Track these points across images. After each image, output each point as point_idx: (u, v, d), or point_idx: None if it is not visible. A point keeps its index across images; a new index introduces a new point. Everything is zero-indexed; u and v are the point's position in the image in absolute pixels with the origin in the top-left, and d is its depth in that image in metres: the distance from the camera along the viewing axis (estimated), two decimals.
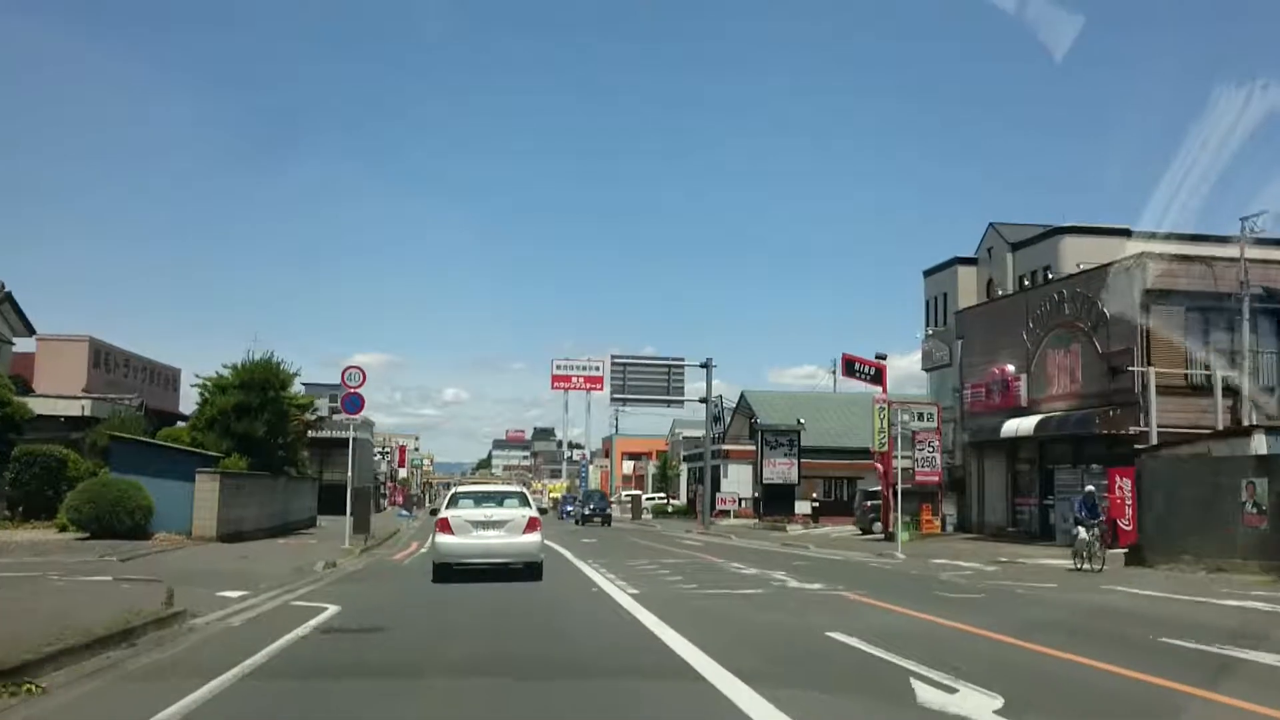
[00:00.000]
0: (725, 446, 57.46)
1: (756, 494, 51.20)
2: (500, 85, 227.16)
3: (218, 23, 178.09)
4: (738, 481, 56.54)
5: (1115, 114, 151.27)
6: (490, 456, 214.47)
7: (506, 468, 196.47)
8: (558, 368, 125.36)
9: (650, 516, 62.84)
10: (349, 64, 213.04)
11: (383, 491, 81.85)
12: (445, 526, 15.67)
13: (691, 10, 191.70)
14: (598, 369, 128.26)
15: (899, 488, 27.01)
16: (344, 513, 24.58)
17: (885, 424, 31.40)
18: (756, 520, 46.13)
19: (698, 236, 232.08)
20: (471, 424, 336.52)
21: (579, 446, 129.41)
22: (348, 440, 25.88)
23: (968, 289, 38.90)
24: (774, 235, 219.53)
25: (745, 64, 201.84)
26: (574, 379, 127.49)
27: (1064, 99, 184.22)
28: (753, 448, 56.31)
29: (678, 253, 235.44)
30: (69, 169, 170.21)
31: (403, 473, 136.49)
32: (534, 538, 15.77)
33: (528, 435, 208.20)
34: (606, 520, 46.41)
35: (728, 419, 60.15)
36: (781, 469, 44.98)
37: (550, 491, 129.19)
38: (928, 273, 41.27)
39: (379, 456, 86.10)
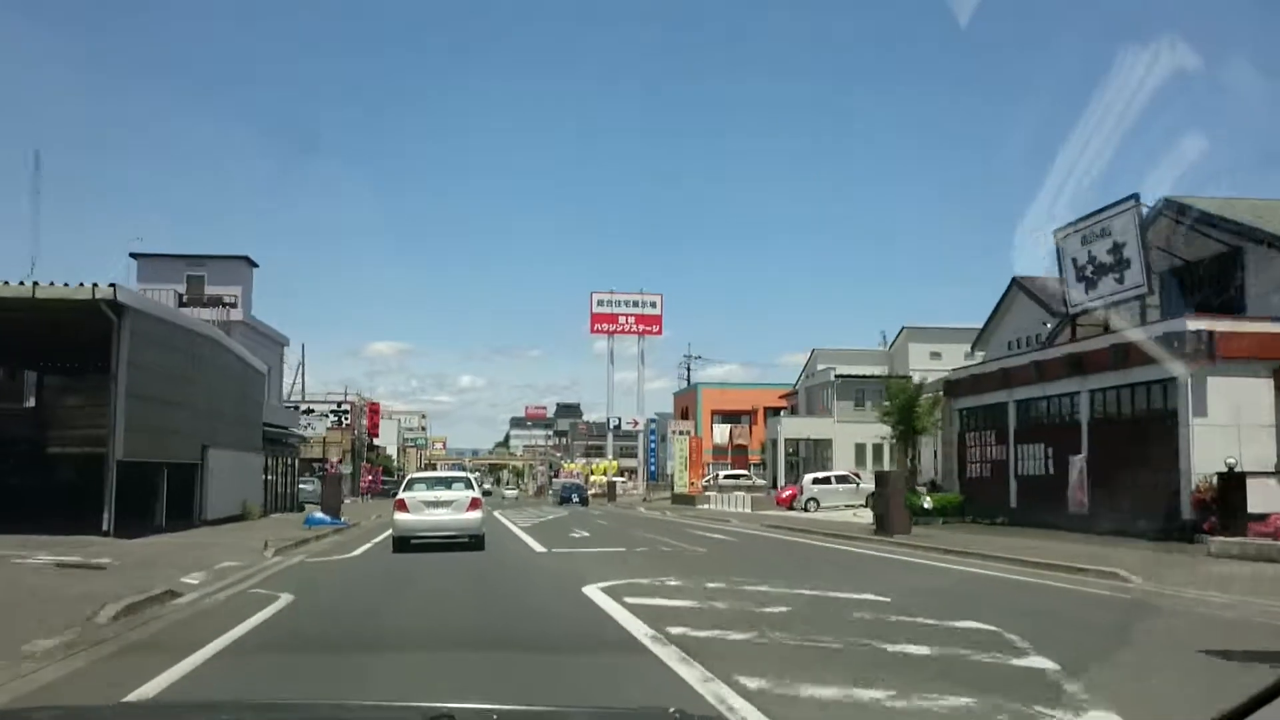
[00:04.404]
0: (1197, 326, 21.10)
1: None
2: (515, 72, 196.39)
3: (217, 23, 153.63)
4: (1230, 427, 20.51)
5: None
6: (508, 437, 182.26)
7: (527, 448, 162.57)
8: (599, 304, 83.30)
9: (938, 523, 26.50)
10: (353, 60, 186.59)
11: (318, 471, 45.70)
12: (402, 506, 18.80)
13: None
14: (654, 305, 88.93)
15: None
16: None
17: None
18: None
19: (716, 226, 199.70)
20: (489, 410, 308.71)
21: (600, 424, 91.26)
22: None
23: None
24: (785, 230, 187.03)
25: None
26: (620, 319, 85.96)
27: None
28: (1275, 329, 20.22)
29: (700, 240, 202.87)
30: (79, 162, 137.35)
31: (391, 449, 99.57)
32: (475, 515, 18.80)
33: (550, 412, 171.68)
34: None
35: (1080, 287, 23.97)
36: None
37: (594, 474, 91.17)
38: None
39: (320, 413, 49.79)
